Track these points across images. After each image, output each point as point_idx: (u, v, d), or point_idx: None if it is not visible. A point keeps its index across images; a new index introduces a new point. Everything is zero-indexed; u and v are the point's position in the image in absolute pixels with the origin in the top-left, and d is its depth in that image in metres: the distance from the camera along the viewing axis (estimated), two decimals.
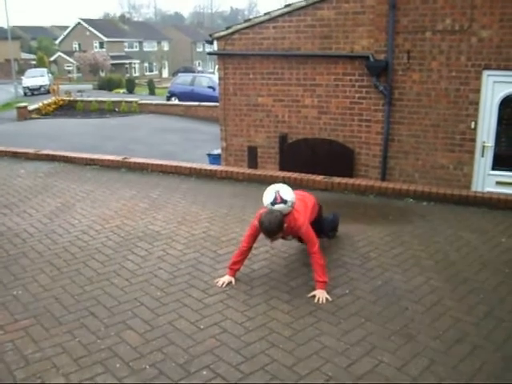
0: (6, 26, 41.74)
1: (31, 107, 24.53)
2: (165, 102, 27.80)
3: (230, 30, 9.90)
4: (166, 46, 73.91)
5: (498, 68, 7.98)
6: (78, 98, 27.66)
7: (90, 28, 64.80)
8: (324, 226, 5.20)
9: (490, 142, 8.33)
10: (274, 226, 4.21)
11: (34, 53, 63.58)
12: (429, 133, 8.64)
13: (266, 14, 9.68)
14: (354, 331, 3.75)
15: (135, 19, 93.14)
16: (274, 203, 4.31)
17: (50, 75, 42.82)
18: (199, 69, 62.04)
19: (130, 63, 65.71)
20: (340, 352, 3.50)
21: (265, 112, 9.92)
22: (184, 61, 69.83)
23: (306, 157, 9.27)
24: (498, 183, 8.34)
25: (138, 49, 69.06)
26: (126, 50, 67.21)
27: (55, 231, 5.72)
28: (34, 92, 37.51)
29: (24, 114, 23.63)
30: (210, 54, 11.26)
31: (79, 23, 65.80)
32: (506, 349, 3.55)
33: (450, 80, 8.32)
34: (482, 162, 8.41)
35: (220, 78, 10.32)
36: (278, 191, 4.35)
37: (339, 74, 9.14)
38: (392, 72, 8.66)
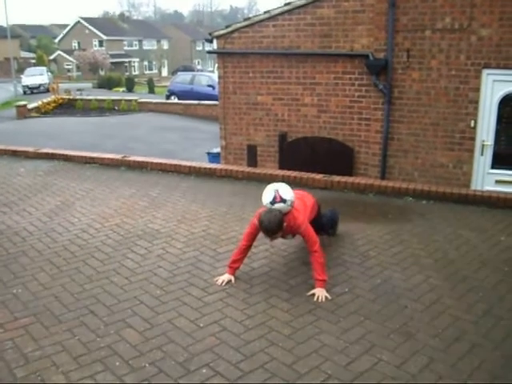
0: (5, 25, 41.71)
1: (31, 106, 24.52)
2: (164, 100, 27.83)
3: (229, 29, 9.90)
4: (165, 45, 73.88)
5: (498, 67, 7.98)
6: (78, 97, 27.65)
7: (90, 26, 64.77)
8: (323, 223, 5.21)
9: (490, 140, 8.33)
10: (274, 225, 4.21)
11: (34, 51, 63.52)
12: (428, 131, 8.64)
13: (265, 12, 9.67)
14: (354, 329, 3.76)
15: (135, 18, 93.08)
16: (273, 202, 4.30)
17: (49, 74, 42.84)
18: (199, 67, 62.04)
19: (130, 62, 65.69)
20: (339, 350, 3.50)
21: (264, 111, 9.92)
22: (183, 59, 69.83)
23: (305, 155, 9.27)
24: (498, 182, 8.35)
25: (137, 47, 69.04)
26: (126, 48, 67.19)
27: (55, 230, 5.72)
28: (33, 90, 37.52)
29: (23, 113, 23.62)
30: (209, 52, 11.26)
31: (79, 22, 65.75)
32: (505, 347, 3.56)
33: (450, 79, 8.32)
34: (482, 161, 8.42)
35: (219, 77, 10.32)
36: (277, 190, 4.35)
37: (339, 72, 9.15)
38: (392, 70, 8.66)
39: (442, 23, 8.21)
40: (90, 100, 26.47)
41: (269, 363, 3.35)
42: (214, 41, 10.16)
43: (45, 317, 3.88)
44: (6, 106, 28.61)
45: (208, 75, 29.83)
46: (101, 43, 64.31)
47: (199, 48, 75.76)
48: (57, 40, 68.56)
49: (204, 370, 3.27)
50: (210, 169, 8.26)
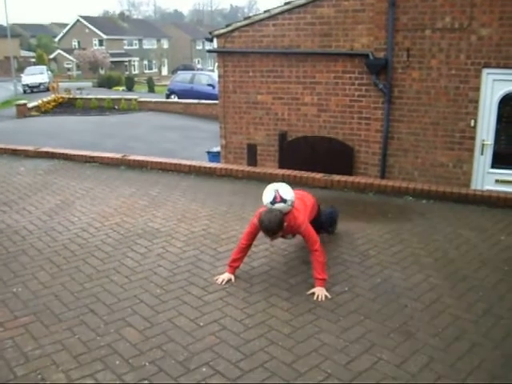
0: (5, 24, 41.68)
1: (31, 105, 24.51)
2: (164, 99, 27.82)
3: (229, 28, 9.89)
4: (165, 44, 73.87)
5: (498, 66, 7.98)
6: (78, 96, 27.64)
7: (90, 26, 64.75)
8: (322, 221, 5.21)
9: (490, 140, 8.33)
10: (274, 225, 4.21)
11: (34, 50, 63.49)
12: (428, 131, 8.64)
13: (265, 11, 9.67)
14: (353, 328, 3.76)
15: (135, 17, 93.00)
16: (273, 202, 4.30)
17: (49, 73, 42.83)
18: (199, 66, 62.01)
19: (130, 61, 65.67)
20: (339, 349, 3.50)
21: (264, 110, 9.92)
22: (183, 58, 69.81)
23: (305, 155, 9.27)
24: (498, 181, 8.35)
25: (137, 46, 69.02)
26: (126, 47, 67.18)
27: (55, 228, 5.72)
28: (33, 89, 37.51)
29: (23, 112, 23.61)
30: (209, 51, 11.26)
31: (78, 21, 65.74)
32: (505, 346, 3.56)
33: (450, 78, 8.32)
34: (482, 160, 8.42)
35: (219, 76, 10.32)
36: (277, 190, 4.34)
37: (339, 71, 9.14)
38: (392, 70, 8.66)
39: (442, 22, 8.20)
40: (90, 99, 26.45)
41: (268, 362, 3.35)
42: (214, 40, 10.15)
43: (45, 315, 3.89)
44: (6, 105, 28.60)
45: (208, 74, 29.84)
46: (101, 42, 64.30)
47: (199, 47, 75.74)
48: (57, 39, 68.56)
49: (204, 369, 3.27)
50: (210, 168, 8.26)
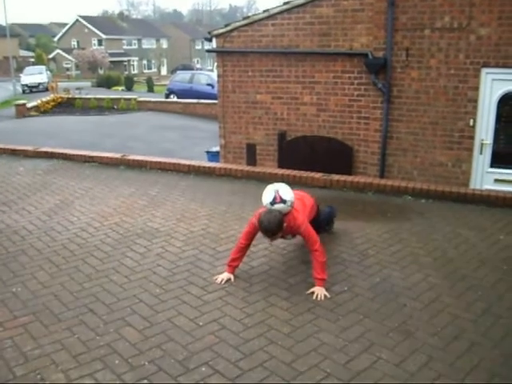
0: (4, 24, 41.68)
1: (30, 105, 24.49)
2: (163, 99, 27.80)
3: (228, 28, 9.89)
4: (164, 44, 73.85)
5: (497, 66, 7.98)
6: (77, 96, 27.64)
7: (89, 25, 64.73)
8: (321, 221, 5.21)
9: (489, 139, 8.34)
10: (274, 226, 4.20)
11: (33, 50, 63.48)
12: (427, 130, 8.65)
13: (264, 11, 9.67)
14: (353, 328, 3.76)
15: (134, 17, 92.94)
16: (273, 203, 4.30)
17: (48, 73, 42.85)
18: (198, 66, 61.98)
19: (129, 61, 65.65)
20: (338, 349, 3.51)
21: (264, 109, 9.92)
22: (183, 58, 69.80)
23: (304, 154, 9.27)
24: (497, 181, 8.35)
25: (136, 46, 69.01)
26: (125, 47, 67.15)
27: (54, 228, 5.72)
28: (32, 89, 37.52)
29: (22, 112, 23.59)
30: (208, 51, 11.25)
31: (78, 20, 65.72)
32: (504, 345, 3.56)
33: (449, 78, 8.33)
34: (481, 160, 8.43)
35: (219, 76, 10.32)
36: (277, 191, 4.34)
37: (338, 71, 9.15)
38: (391, 69, 8.66)
39: (441, 22, 8.21)
40: (89, 99, 26.44)
41: (268, 361, 3.36)
42: (214, 40, 10.15)
43: (44, 315, 3.89)
44: (5, 105, 28.57)
45: (207, 74, 29.83)
46: (100, 42, 64.28)
47: (198, 47, 75.70)
48: (56, 39, 68.52)
49: (203, 369, 3.28)
50: (209, 168, 8.26)
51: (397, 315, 3.95)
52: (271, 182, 4.65)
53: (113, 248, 5.19)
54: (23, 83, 38.13)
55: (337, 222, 5.69)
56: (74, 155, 9.10)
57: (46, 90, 34.29)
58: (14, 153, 9.50)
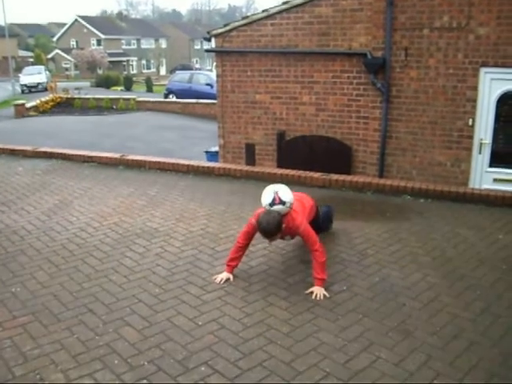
0: (3, 24, 41.66)
1: (29, 105, 24.48)
2: (162, 99, 27.79)
3: (227, 28, 9.89)
4: (163, 44, 73.83)
5: (496, 65, 7.99)
6: (76, 96, 27.63)
7: (88, 25, 64.69)
8: (320, 222, 5.22)
9: (488, 139, 8.34)
10: (273, 227, 4.20)
11: (32, 50, 63.46)
12: (426, 130, 8.65)
13: (263, 11, 9.68)
14: (352, 327, 3.77)
15: (133, 16, 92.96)
16: (272, 204, 4.30)
17: (47, 73, 42.89)
18: (197, 66, 61.98)
19: (128, 61, 65.61)
20: (338, 348, 3.51)
21: (262, 109, 9.92)
22: (182, 58, 69.78)
23: (303, 154, 9.28)
24: (496, 180, 8.36)
25: (135, 46, 68.99)
26: (124, 47, 67.11)
27: (53, 228, 5.72)
28: (31, 89, 37.54)
29: (21, 112, 23.58)
30: (207, 51, 11.26)
31: (76, 20, 65.68)
32: (503, 345, 3.57)
33: (448, 77, 8.33)
34: (480, 159, 8.43)
35: (218, 76, 10.32)
36: (276, 192, 4.34)
37: (337, 71, 9.15)
38: (390, 69, 8.67)
39: (440, 22, 8.21)
40: (88, 99, 26.43)
41: (267, 361, 3.36)
42: (212, 39, 10.16)
43: (43, 315, 3.89)
44: (4, 105, 28.56)
45: (206, 74, 29.83)
46: (99, 42, 64.25)
47: (197, 47, 75.70)
48: (55, 39, 68.47)
49: (202, 368, 3.28)
50: (208, 167, 8.26)
51: (396, 314, 3.95)
52: (270, 182, 4.65)
53: (112, 248, 5.19)
54: (22, 83, 38.14)
55: (336, 221, 5.69)
56: (72, 155, 9.10)
57: (45, 90, 34.27)
58: (12, 153, 9.50)
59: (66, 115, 23.94)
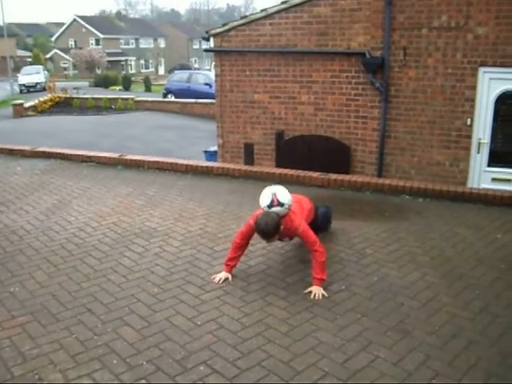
0: (1, 23, 41.59)
1: (27, 104, 24.46)
2: (161, 99, 27.79)
3: (226, 27, 9.89)
4: (162, 43, 73.79)
5: (494, 65, 8.00)
6: (74, 95, 27.61)
7: (86, 25, 64.62)
8: (319, 224, 5.22)
9: (486, 138, 8.35)
10: (271, 228, 4.21)
11: (30, 50, 63.40)
12: (425, 129, 8.66)
13: (262, 10, 9.68)
14: (350, 327, 3.77)
15: (131, 16, 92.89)
16: (270, 206, 4.31)
17: (45, 72, 42.85)
18: (196, 66, 61.96)
19: (126, 60, 65.55)
20: (336, 347, 3.51)
21: (261, 109, 9.92)
22: (180, 58, 69.73)
23: (302, 153, 9.28)
24: (494, 180, 8.36)
25: (134, 46, 68.92)
26: (122, 47, 67.05)
27: (52, 228, 5.71)
28: (29, 89, 37.52)
29: (20, 112, 23.56)
30: (206, 50, 11.26)
31: (75, 20, 65.62)
32: (502, 344, 3.57)
33: (446, 77, 8.34)
34: (478, 159, 8.44)
35: (216, 75, 10.32)
36: (274, 193, 4.34)
37: (336, 70, 9.15)
38: (388, 69, 8.67)
39: (438, 21, 8.22)
40: (87, 99, 26.41)
41: (266, 360, 3.36)
42: (211, 39, 10.16)
43: (42, 315, 3.89)
44: (2, 105, 28.51)
45: (205, 73, 29.85)
46: (97, 42, 64.20)
47: (196, 46, 75.69)
48: (53, 38, 68.44)
49: (201, 368, 3.28)
50: (206, 167, 8.26)
51: (394, 314, 3.95)
52: (269, 182, 4.67)
53: (111, 248, 5.19)
54: (21, 83, 38.10)
55: (334, 221, 5.70)
56: (71, 155, 9.09)
57: (44, 89, 34.24)
58: (11, 153, 9.49)
59: (64, 115, 23.92)
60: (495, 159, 8.40)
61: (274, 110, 9.82)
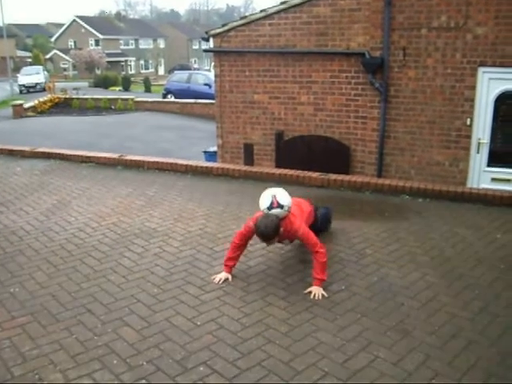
0: (1, 24, 41.57)
1: (27, 105, 24.46)
2: (161, 99, 27.80)
3: (225, 28, 9.89)
4: (161, 44, 73.81)
5: (494, 65, 8.00)
6: (74, 96, 27.60)
7: (86, 25, 64.63)
8: (319, 226, 5.22)
9: (486, 138, 8.35)
10: (270, 230, 4.21)
11: (30, 50, 63.41)
12: (424, 129, 8.66)
13: (261, 11, 9.68)
14: (350, 327, 3.77)
15: (131, 17, 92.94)
16: (270, 208, 4.31)
17: (45, 73, 42.84)
18: (195, 66, 61.95)
19: (126, 61, 65.57)
20: (336, 348, 3.51)
21: (261, 109, 9.93)
22: (180, 58, 69.76)
23: (302, 154, 9.28)
24: (494, 180, 8.37)
25: (133, 46, 68.93)
26: (122, 47, 67.07)
27: (52, 229, 5.71)
28: (29, 90, 37.53)
29: (20, 112, 23.56)
30: (205, 51, 11.27)
31: (75, 21, 65.64)
32: (501, 344, 3.57)
33: (446, 77, 8.34)
34: (478, 159, 8.44)
35: (216, 76, 10.32)
36: (274, 196, 4.34)
37: (335, 71, 9.16)
38: (388, 69, 8.67)
39: (437, 21, 8.22)
40: (87, 99, 26.42)
41: (266, 361, 3.36)
42: (211, 39, 10.16)
43: (42, 315, 3.89)
44: (2, 106, 28.50)
45: (205, 74, 29.85)
46: (97, 42, 64.21)
47: (196, 47, 75.70)
48: (53, 39, 68.44)
49: (201, 368, 3.28)
50: (206, 167, 8.26)
51: (394, 314, 3.95)
52: (269, 182, 4.67)
53: (110, 248, 5.19)
54: (20, 83, 38.11)
55: (334, 221, 5.70)
56: (71, 155, 9.09)
57: (43, 90, 34.26)
58: (11, 153, 9.49)
59: (64, 115, 23.93)
60: (495, 159, 8.40)
61: (273, 111, 9.82)
